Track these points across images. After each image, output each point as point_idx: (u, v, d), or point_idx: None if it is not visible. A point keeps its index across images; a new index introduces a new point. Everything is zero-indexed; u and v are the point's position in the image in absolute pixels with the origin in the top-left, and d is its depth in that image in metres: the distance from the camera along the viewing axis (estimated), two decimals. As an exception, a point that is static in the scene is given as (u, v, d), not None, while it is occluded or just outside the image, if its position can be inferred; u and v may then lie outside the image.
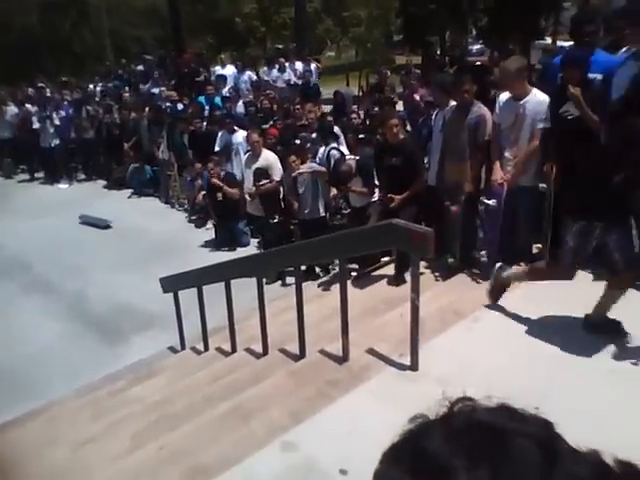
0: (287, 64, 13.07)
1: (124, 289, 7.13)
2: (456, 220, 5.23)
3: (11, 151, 13.85)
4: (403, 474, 0.50)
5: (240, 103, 11.13)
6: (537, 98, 4.70)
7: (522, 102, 4.70)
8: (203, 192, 9.16)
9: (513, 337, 3.78)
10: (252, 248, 8.11)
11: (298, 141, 8.12)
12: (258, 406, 3.47)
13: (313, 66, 13.33)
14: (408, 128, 7.79)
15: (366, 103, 9.91)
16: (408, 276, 3.93)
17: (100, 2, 27.06)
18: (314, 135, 7.98)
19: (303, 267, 5.03)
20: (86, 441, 3.98)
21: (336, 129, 7.82)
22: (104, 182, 12.54)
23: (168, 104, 11.76)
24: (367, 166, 6.24)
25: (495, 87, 5.05)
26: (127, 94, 13.59)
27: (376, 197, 6.19)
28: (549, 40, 20.55)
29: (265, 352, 4.52)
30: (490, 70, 7.42)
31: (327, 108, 10.12)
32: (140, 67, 15.65)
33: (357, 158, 6.47)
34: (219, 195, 8.46)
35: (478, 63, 9.75)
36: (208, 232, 8.98)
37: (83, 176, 13.26)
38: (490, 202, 4.91)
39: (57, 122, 12.83)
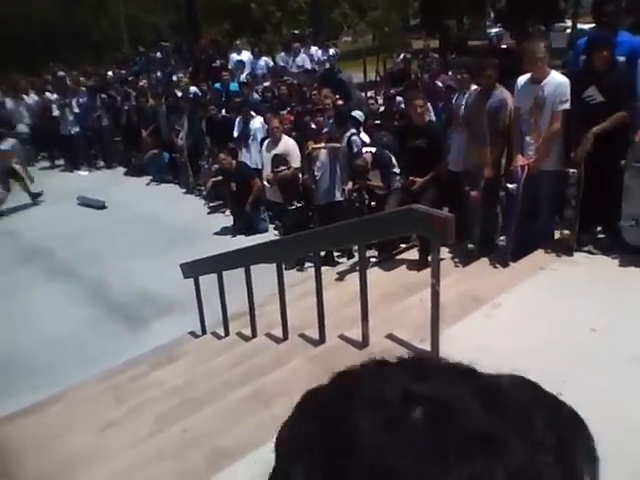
0: (302, 49, 13.01)
1: (145, 275, 7.19)
2: (476, 205, 5.19)
3: (31, 139, 13.99)
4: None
5: (257, 88, 11.11)
6: (556, 80, 4.62)
7: (541, 84, 4.62)
8: (213, 179, 9.17)
9: (533, 324, 3.75)
10: (271, 234, 8.13)
11: (314, 126, 8.09)
12: (279, 390, 3.49)
13: (332, 51, 13.25)
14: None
15: (382, 88, 9.83)
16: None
17: (117, -10, 27.11)
18: (331, 121, 7.94)
19: (322, 252, 5.04)
20: (108, 425, 4.04)
21: (358, 113, 7.75)
22: (124, 169, 12.63)
23: (193, 90, 11.76)
24: (384, 159, 6.21)
25: (518, 71, 4.98)
26: (144, 81, 13.63)
27: (396, 184, 6.16)
28: (569, 22, 20.18)
29: (285, 337, 4.55)
30: (514, 53, 7.31)
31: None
32: (157, 54, 15.68)
33: (374, 151, 6.43)
34: (233, 185, 8.49)
35: (503, 46, 9.62)
36: (227, 218, 9.01)
37: (102, 163, 13.36)
38: (511, 186, 4.87)
39: (76, 110, 12.92)
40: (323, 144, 7.10)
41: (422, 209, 3.61)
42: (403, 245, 6.36)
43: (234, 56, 13.45)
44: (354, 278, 4.09)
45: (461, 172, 5.41)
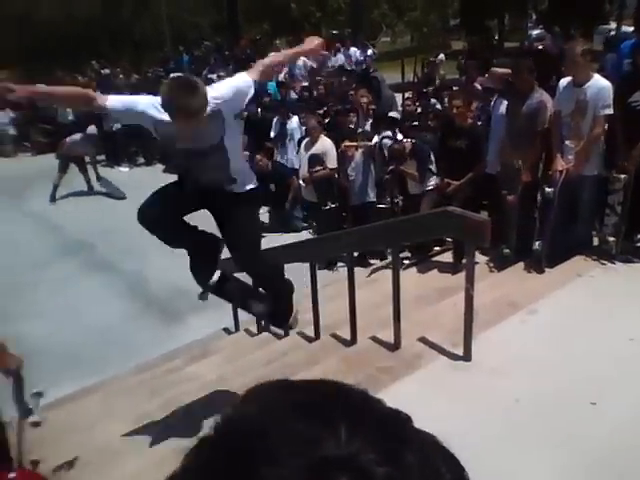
0: (342, 49, 13.02)
1: (181, 270, 7.25)
2: (513, 209, 5.13)
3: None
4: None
5: (295, 88, 11.17)
6: (599, 84, 4.53)
7: (583, 88, 4.54)
8: None
9: (570, 331, 3.70)
10: (306, 234, 8.16)
11: (352, 126, 8.10)
12: (310, 389, 3.51)
13: (370, 51, 13.23)
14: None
15: (417, 91, 9.80)
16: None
17: (159, -11, 27.57)
18: (370, 121, 7.94)
19: (355, 253, 5.05)
20: (143, 416, 4.13)
21: (395, 114, 7.75)
22: (162, 166, 12.85)
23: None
24: (423, 151, 6.18)
25: (557, 73, 4.90)
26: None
27: (431, 184, 6.13)
28: (613, 25, 19.68)
29: (317, 336, 4.58)
30: (552, 55, 7.19)
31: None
32: (198, 53, 15.91)
33: (413, 141, 6.41)
34: (271, 186, 8.56)
35: (540, 47, 9.47)
36: (262, 217, 9.09)
37: (142, 160, 13.61)
38: (548, 190, 4.80)
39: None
40: (355, 143, 7.13)
41: (457, 211, 3.58)
42: (437, 248, 6.32)
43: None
44: (387, 280, 4.09)
45: (498, 175, 5.35)
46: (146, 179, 12.07)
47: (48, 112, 15.17)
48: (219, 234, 3.38)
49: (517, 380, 3.17)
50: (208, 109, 2.74)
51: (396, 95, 10.46)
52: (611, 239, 4.81)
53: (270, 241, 7.31)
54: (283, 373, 3.99)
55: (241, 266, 3.48)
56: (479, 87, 7.97)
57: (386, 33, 36.02)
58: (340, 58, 12.84)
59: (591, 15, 17.21)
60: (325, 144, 7.73)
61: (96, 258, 8.31)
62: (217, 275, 3.43)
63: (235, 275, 3.83)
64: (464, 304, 3.45)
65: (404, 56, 13.14)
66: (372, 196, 7.06)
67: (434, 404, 2.85)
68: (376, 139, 7.26)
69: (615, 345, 3.43)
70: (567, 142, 4.71)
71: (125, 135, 13.34)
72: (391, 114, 7.71)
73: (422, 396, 3.16)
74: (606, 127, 4.57)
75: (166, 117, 2.75)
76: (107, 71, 15.78)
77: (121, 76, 15.21)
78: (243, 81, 2.97)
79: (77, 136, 11.47)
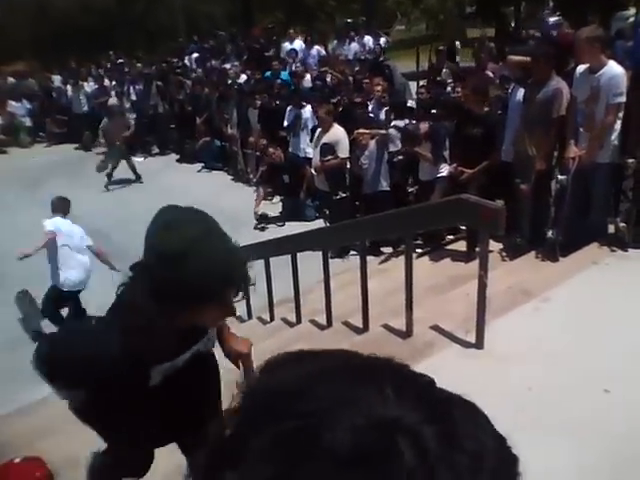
0: (356, 38, 12.94)
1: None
2: (526, 198, 5.09)
3: (90, 125, 14.45)
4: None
5: (307, 77, 11.12)
6: (612, 71, 4.45)
7: (597, 75, 4.47)
8: (262, 169, 9.26)
9: (584, 319, 3.66)
10: (319, 222, 8.16)
11: (370, 115, 8.06)
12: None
13: (382, 40, 13.12)
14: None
15: (430, 79, 9.70)
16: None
17: (173, -21, 27.52)
18: (385, 109, 7.90)
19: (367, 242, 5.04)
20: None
21: (411, 103, 7.72)
22: (176, 156, 12.91)
23: (242, 78, 11.89)
24: (438, 134, 6.15)
25: (575, 60, 4.84)
26: (200, 70, 13.85)
27: (444, 172, 6.08)
28: (632, 10, 19.29)
29: (329, 324, 4.59)
30: (569, 42, 7.07)
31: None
32: (212, 43, 15.89)
33: (430, 123, 6.38)
34: (285, 177, 8.58)
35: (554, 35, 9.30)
36: (274, 206, 9.10)
37: (157, 150, 13.67)
38: (561, 177, 4.75)
39: (134, 97, 13.25)
40: (368, 131, 7.11)
41: (472, 199, 3.56)
42: (450, 237, 6.29)
43: (286, 45, 13.50)
44: (399, 268, 4.08)
45: (513, 163, 5.30)
46: (160, 168, 12.16)
47: (63, 103, 15.30)
48: None
49: (530, 368, 3.15)
50: None
51: (411, 83, 10.39)
52: (623, 225, 4.75)
53: (283, 230, 7.35)
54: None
55: None
56: (491, 74, 7.88)
57: (401, 21, 35.68)
58: (354, 47, 12.77)
59: (609, 1, 16.86)
60: (337, 133, 7.69)
61: (111, 247, 8.37)
62: None
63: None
64: (477, 292, 3.44)
65: (419, 44, 13.03)
66: (385, 185, 7.03)
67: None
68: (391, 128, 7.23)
69: (629, 333, 3.40)
70: (581, 129, 4.65)
71: (140, 125, 13.41)
72: (408, 104, 7.69)
73: (433, 383, 3.15)
74: (621, 115, 4.50)
75: None
76: (121, 60, 15.82)
77: (138, 65, 15.25)
78: None
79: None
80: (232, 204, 9.38)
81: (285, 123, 9.36)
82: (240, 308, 5.90)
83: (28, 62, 20.33)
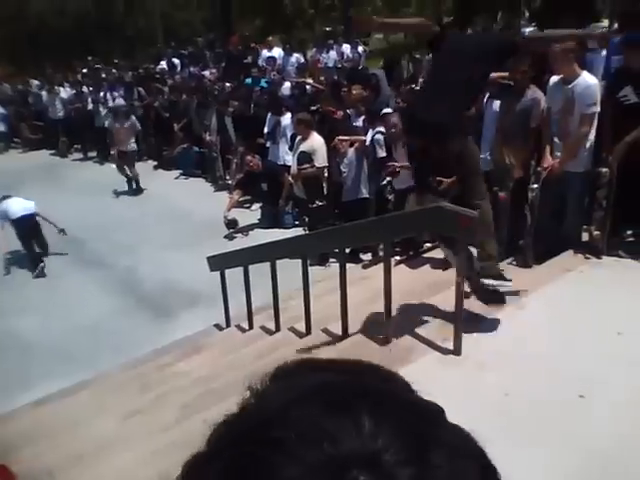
0: (334, 46, 13.01)
1: (172, 267, 7.30)
2: (504, 206, 5.14)
3: (66, 131, 14.29)
4: None
5: (287, 85, 11.14)
6: (586, 82, 4.53)
7: (571, 86, 4.55)
8: (239, 176, 9.24)
9: (558, 326, 3.72)
10: (298, 230, 8.17)
11: (344, 123, 8.08)
12: (301, 384, 3.52)
13: (360, 49, 13.21)
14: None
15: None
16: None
17: (152, -15, 27.40)
18: (362, 117, 7.93)
19: (347, 249, 5.06)
20: (134, 412, 4.13)
21: (388, 110, 7.73)
22: (154, 162, 12.81)
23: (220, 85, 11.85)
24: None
25: (550, 71, 4.92)
26: (178, 76, 13.78)
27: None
28: (606, 22, 19.70)
29: (308, 332, 4.58)
30: (545, 53, 7.19)
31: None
32: (190, 49, 15.84)
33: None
34: (264, 186, 8.57)
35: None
36: (254, 213, 9.09)
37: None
38: (534, 186, 4.83)
39: (111, 103, 13.12)
40: (347, 137, 7.13)
41: (449, 207, 3.59)
42: (428, 244, 6.33)
43: (265, 52, 13.51)
44: (378, 277, 4.10)
45: (490, 171, 5.36)
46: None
47: (38, 108, 15.11)
48: None
49: (506, 374, 3.19)
50: None
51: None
52: (597, 233, 4.84)
53: (263, 237, 7.33)
54: (274, 368, 3.99)
55: None
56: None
57: (379, 30, 35.92)
58: (332, 55, 12.84)
59: (584, 13, 17.21)
60: (314, 142, 7.70)
61: (87, 254, 8.28)
62: None
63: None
64: (455, 299, 3.47)
65: (397, 53, 13.16)
66: (365, 192, 7.05)
67: (425, 398, 2.86)
68: (369, 136, 7.25)
69: (603, 339, 3.45)
70: (555, 139, 4.73)
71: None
72: (385, 110, 7.68)
73: (412, 390, 3.17)
74: (595, 124, 4.58)
75: None
76: (98, 66, 15.68)
77: (114, 71, 15.12)
78: None
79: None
80: (211, 211, 9.33)
81: (265, 130, 9.35)
82: (218, 316, 5.89)
83: (3, 66, 20.06)
